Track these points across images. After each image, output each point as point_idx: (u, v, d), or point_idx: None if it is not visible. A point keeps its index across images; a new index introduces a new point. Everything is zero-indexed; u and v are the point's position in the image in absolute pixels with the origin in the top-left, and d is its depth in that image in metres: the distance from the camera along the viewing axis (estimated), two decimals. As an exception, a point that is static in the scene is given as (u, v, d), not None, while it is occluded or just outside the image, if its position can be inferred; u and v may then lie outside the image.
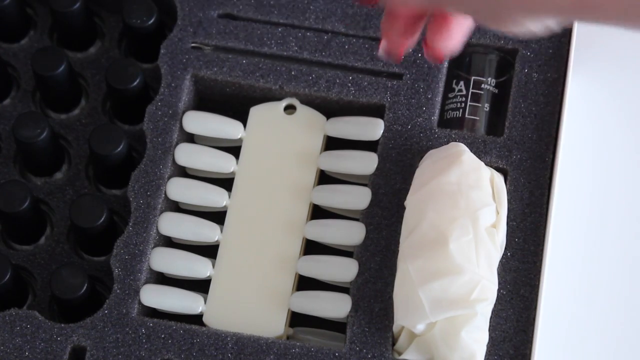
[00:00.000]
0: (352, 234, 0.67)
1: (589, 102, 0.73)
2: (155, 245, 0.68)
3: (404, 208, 0.66)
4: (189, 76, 0.70)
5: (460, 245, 0.62)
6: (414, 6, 0.58)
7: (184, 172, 0.71)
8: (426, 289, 0.62)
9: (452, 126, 0.69)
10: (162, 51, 0.71)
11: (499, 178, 0.66)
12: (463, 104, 0.70)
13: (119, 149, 0.68)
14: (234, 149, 0.70)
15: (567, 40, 0.70)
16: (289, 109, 0.71)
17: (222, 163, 0.69)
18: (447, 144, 0.68)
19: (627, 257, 0.69)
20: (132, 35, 0.73)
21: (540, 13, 0.53)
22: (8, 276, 0.66)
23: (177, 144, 0.69)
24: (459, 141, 0.68)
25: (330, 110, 0.70)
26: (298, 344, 0.65)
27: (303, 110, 0.70)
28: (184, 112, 0.70)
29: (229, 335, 0.65)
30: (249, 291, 0.67)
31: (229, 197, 0.69)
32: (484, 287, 0.62)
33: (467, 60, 0.71)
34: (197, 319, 0.67)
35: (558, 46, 0.71)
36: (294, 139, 0.70)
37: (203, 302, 0.67)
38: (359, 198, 0.68)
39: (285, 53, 0.71)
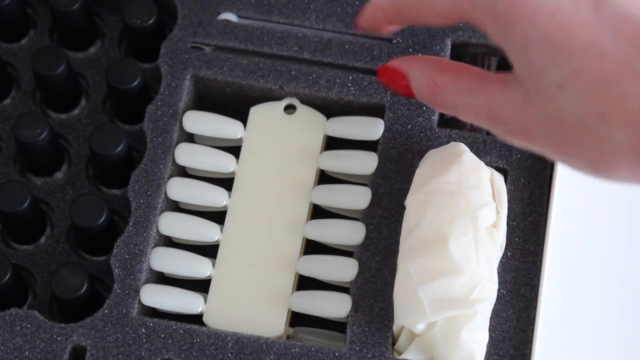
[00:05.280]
0: (352, 233, 0.67)
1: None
2: (156, 245, 0.68)
3: (404, 208, 0.66)
4: (189, 76, 0.70)
5: (460, 244, 0.62)
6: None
7: (184, 172, 0.71)
8: (426, 289, 0.62)
9: (452, 126, 0.69)
10: (162, 51, 0.71)
11: (499, 178, 0.66)
12: (463, 104, 0.70)
13: (119, 149, 0.68)
14: (234, 149, 0.70)
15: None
16: (289, 108, 0.71)
17: (222, 163, 0.69)
18: (447, 143, 0.68)
19: (627, 257, 0.69)
20: (132, 35, 0.73)
21: None
22: (8, 276, 0.66)
23: (177, 143, 0.69)
24: (459, 141, 0.68)
25: (330, 110, 0.70)
26: (298, 343, 0.65)
27: (303, 110, 0.70)
28: (184, 112, 0.70)
29: (229, 335, 0.65)
30: (249, 291, 0.67)
31: (229, 196, 0.69)
32: (484, 287, 0.62)
33: (467, 60, 0.71)
34: (197, 318, 0.67)
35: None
36: (294, 138, 0.70)
37: (203, 302, 0.67)
38: (359, 198, 0.68)
39: (285, 53, 0.71)
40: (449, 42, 0.70)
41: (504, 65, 0.71)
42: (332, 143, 0.70)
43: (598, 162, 0.54)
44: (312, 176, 0.69)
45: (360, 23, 0.63)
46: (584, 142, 0.54)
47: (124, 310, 0.65)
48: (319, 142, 0.70)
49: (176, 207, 0.70)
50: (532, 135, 0.57)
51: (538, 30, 0.54)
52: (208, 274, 0.67)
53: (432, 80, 0.60)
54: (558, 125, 0.55)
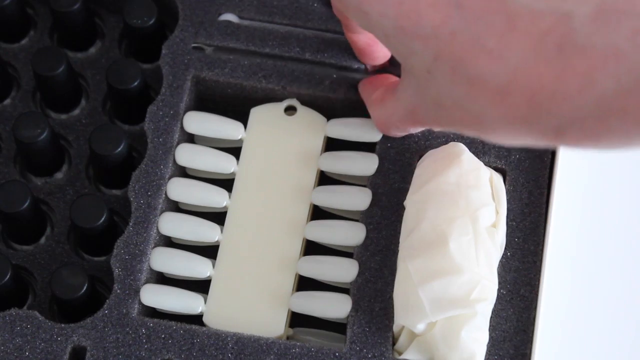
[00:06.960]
0: (352, 234, 0.67)
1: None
2: (156, 245, 0.68)
3: (403, 208, 0.66)
4: (190, 77, 0.70)
5: (460, 244, 0.62)
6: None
7: (184, 173, 0.71)
8: (426, 289, 0.62)
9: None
10: (163, 52, 0.71)
11: (498, 178, 0.66)
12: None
13: (119, 149, 0.68)
14: (235, 150, 0.70)
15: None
16: (290, 110, 0.71)
17: (223, 163, 0.69)
18: (446, 144, 0.68)
19: (627, 257, 0.69)
20: (132, 35, 0.73)
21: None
22: (8, 276, 0.66)
23: (177, 144, 0.69)
24: (457, 141, 0.68)
25: (332, 111, 0.70)
26: (298, 344, 0.65)
27: (303, 112, 0.70)
28: (184, 113, 0.70)
29: (229, 335, 0.65)
30: (249, 291, 0.67)
31: (229, 197, 0.69)
32: (484, 287, 0.62)
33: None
34: (197, 319, 0.67)
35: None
36: (294, 140, 0.70)
37: (203, 302, 0.67)
38: (359, 199, 0.68)
39: (287, 54, 0.71)
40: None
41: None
42: (333, 144, 0.70)
43: (484, 134, 0.54)
44: (312, 177, 0.69)
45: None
46: (465, 120, 0.54)
47: (124, 310, 0.65)
48: (319, 143, 0.70)
49: (176, 207, 0.70)
50: (439, 120, 0.56)
51: (389, 18, 0.53)
52: (208, 274, 0.67)
53: (381, 125, 0.66)
54: (442, 107, 0.54)
